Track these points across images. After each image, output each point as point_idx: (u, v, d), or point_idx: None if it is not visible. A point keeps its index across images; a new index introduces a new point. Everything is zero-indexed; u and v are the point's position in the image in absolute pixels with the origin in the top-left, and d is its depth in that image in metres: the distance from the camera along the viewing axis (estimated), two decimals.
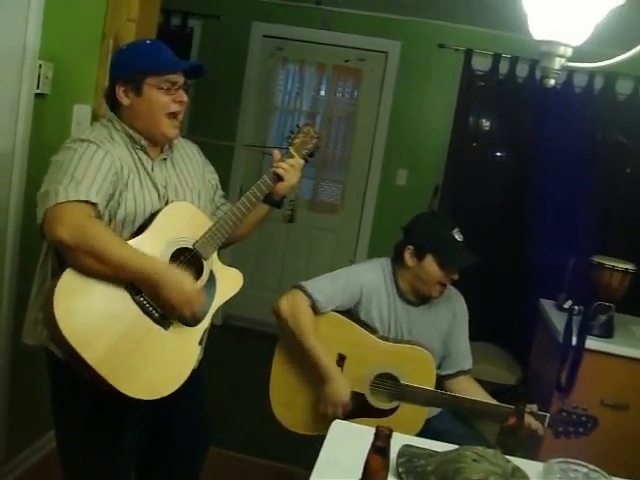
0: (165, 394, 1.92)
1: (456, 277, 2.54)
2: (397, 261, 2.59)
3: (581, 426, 2.35)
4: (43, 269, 1.99)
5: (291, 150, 2.27)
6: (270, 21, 5.29)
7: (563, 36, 1.45)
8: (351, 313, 2.58)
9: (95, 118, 3.00)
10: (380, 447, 1.26)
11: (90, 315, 1.84)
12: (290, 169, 2.23)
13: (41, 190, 1.87)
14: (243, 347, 5.06)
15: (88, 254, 1.78)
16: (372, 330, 2.55)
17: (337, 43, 5.27)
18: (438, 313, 2.64)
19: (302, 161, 2.28)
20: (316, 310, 2.51)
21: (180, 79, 2.04)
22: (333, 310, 2.54)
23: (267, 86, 5.50)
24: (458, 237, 2.50)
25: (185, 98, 2.06)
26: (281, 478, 3.33)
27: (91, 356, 1.79)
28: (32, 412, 2.97)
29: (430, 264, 2.49)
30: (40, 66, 2.59)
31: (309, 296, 2.50)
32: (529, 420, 2.34)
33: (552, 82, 1.50)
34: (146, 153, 2.05)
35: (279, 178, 2.22)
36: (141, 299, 1.90)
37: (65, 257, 1.84)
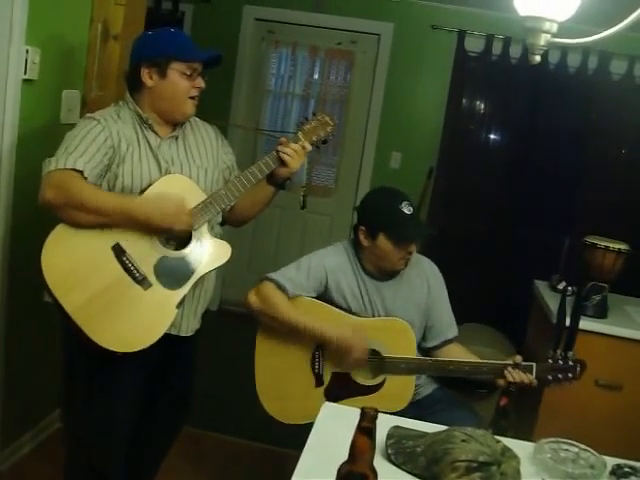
0: (136, 349, 2.07)
1: (414, 249, 2.53)
2: (355, 242, 2.60)
3: (569, 371, 2.34)
4: None
5: (299, 135, 2.36)
6: (261, 4, 5.25)
7: (548, 11, 1.44)
8: (324, 297, 2.57)
9: (85, 103, 2.98)
10: (366, 428, 1.26)
11: (73, 268, 2.03)
12: (294, 153, 2.31)
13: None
14: (238, 332, 5.02)
15: (73, 207, 1.98)
16: (347, 310, 2.55)
17: (329, 26, 5.23)
18: (411, 285, 2.62)
19: (308, 146, 2.36)
20: (286, 295, 2.50)
21: (200, 66, 2.22)
22: (303, 296, 2.54)
23: (259, 70, 5.47)
24: (407, 210, 2.46)
25: (203, 84, 2.24)
26: (275, 461, 3.34)
27: (69, 304, 2.00)
28: (27, 399, 2.97)
29: (384, 242, 2.48)
30: (27, 51, 2.56)
31: (277, 285, 2.50)
32: (520, 377, 2.35)
33: (538, 58, 1.49)
34: (153, 131, 2.22)
35: (281, 160, 2.31)
36: (124, 259, 2.07)
37: (57, 217, 2.02)
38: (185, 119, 2.29)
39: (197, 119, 2.41)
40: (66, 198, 1.98)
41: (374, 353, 2.50)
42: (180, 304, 2.16)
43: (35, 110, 2.71)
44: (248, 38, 5.34)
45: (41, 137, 2.73)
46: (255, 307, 2.52)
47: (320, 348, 2.52)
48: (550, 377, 2.36)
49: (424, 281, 2.65)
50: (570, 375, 2.34)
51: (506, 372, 2.36)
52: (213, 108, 5.20)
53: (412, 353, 2.51)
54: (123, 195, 2.10)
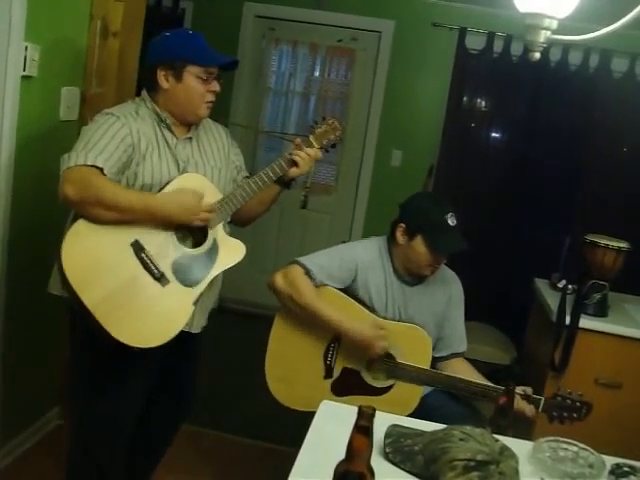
0: (152, 344, 2.09)
1: (445, 260, 2.55)
2: (391, 238, 2.59)
3: (575, 411, 2.33)
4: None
5: (311, 138, 2.43)
6: (262, 1, 5.24)
7: (548, 8, 1.43)
8: (348, 290, 2.57)
9: (84, 100, 2.98)
10: (363, 426, 1.25)
11: (93, 263, 2.05)
12: (306, 157, 2.38)
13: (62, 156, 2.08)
14: (238, 330, 5.05)
15: (94, 203, 2.00)
16: (369, 308, 2.55)
17: (330, 23, 5.23)
18: (434, 294, 2.63)
19: (319, 153, 2.43)
20: (312, 280, 2.50)
21: (216, 70, 2.25)
22: (331, 286, 2.54)
23: (260, 67, 5.46)
24: (451, 222, 2.47)
25: (218, 88, 2.26)
26: (275, 459, 3.33)
27: (89, 299, 2.00)
28: (25, 397, 2.97)
29: (419, 245, 2.48)
30: (26, 48, 2.55)
31: (306, 269, 2.50)
32: (522, 405, 2.35)
33: (537, 55, 1.48)
34: (171, 131, 2.25)
35: (294, 163, 2.37)
36: (143, 256, 2.09)
37: (78, 213, 2.06)
38: (198, 121, 2.32)
39: (209, 119, 2.44)
40: (86, 195, 1.99)
41: (388, 356, 2.50)
42: (197, 302, 2.19)
43: (34, 107, 2.70)
44: (248, 35, 5.34)
45: (40, 134, 2.73)
46: (281, 289, 2.51)
47: (336, 341, 2.52)
48: (555, 414, 2.36)
49: (447, 294, 2.66)
50: (575, 415, 2.34)
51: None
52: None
53: (426, 364, 2.50)
54: (142, 192, 2.13)
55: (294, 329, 2.55)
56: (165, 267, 2.13)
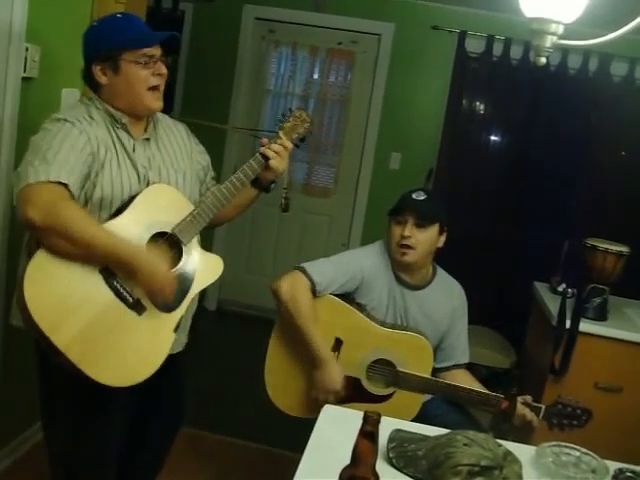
0: (137, 381, 1.89)
1: (406, 233, 2.46)
2: None
3: (575, 419, 2.33)
4: (27, 249, 1.94)
5: (280, 134, 2.24)
6: (262, 3, 5.23)
7: (555, 13, 1.43)
8: (351, 297, 2.56)
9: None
10: (368, 432, 1.25)
11: (61, 298, 1.80)
12: (279, 152, 2.20)
13: (15, 171, 1.85)
14: (237, 332, 5.04)
15: (59, 235, 1.75)
16: (370, 315, 2.54)
17: (330, 25, 5.22)
18: (436, 302, 2.62)
19: (291, 145, 2.25)
20: (315, 292, 2.48)
21: (157, 52, 2.00)
22: (333, 293, 2.52)
23: (259, 69, 5.46)
24: (415, 195, 2.51)
25: (164, 70, 2.02)
26: (274, 462, 3.33)
27: (60, 340, 1.76)
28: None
29: (390, 225, 2.54)
30: (27, 49, 2.55)
31: (309, 278, 2.47)
32: (524, 411, 2.34)
33: (543, 60, 1.48)
34: (127, 132, 2.01)
35: (266, 161, 2.19)
36: (115, 283, 1.86)
37: (36, 238, 1.81)
38: (150, 112, 2.07)
39: (167, 117, 2.23)
40: (55, 225, 1.74)
41: (388, 365, 2.49)
42: (177, 327, 2.00)
43: (34, 108, 2.69)
44: (248, 37, 5.32)
45: None
46: (282, 300, 2.47)
47: (336, 349, 2.50)
48: (555, 421, 2.35)
49: (449, 303, 2.65)
50: (575, 422, 2.33)
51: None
52: (213, 107, 5.23)
53: (427, 372, 2.49)
54: (115, 235, 1.85)
55: (294, 336, 2.52)
56: (140, 292, 1.89)
